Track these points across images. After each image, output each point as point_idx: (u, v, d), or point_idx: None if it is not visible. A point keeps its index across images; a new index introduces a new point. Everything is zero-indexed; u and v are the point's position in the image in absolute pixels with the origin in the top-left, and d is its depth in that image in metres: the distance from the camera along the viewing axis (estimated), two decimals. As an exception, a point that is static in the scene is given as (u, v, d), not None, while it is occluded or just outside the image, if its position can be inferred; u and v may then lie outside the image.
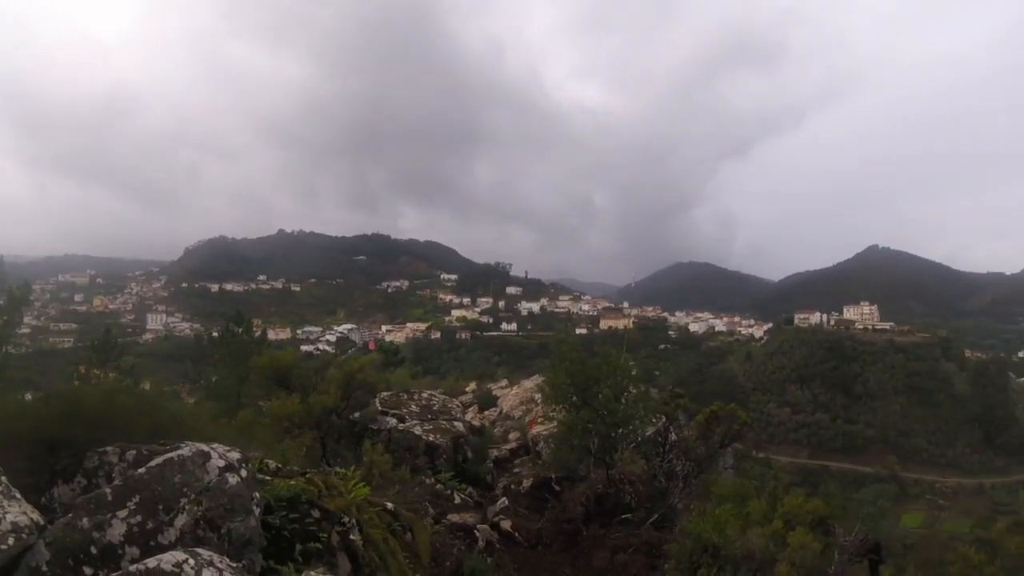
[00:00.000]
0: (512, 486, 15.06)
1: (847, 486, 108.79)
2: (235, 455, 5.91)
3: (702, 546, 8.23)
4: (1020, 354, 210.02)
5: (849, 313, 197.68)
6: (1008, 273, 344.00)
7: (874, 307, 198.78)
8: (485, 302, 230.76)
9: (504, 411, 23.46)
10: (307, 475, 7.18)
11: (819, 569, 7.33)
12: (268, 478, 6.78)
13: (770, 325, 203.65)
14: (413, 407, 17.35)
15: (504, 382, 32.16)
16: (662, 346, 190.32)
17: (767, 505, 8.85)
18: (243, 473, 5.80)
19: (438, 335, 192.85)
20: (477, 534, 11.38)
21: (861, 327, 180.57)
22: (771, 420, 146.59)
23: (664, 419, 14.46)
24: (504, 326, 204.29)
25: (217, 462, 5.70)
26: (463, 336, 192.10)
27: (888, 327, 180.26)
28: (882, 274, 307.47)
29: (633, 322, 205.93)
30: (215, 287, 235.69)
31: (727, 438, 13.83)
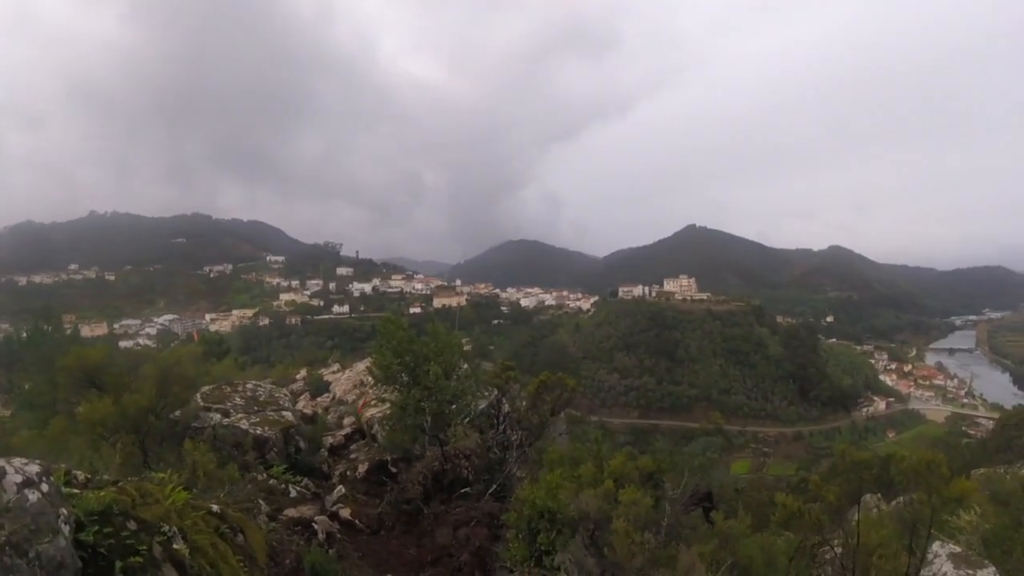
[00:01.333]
0: (348, 473, 14.71)
1: (677, 441, 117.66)
2: (34, 468, 5.37)
3: (538, 512, 8.39)
4: (827, 319, 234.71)
5: (669, 286, 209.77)
6: (815, 250, 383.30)
7: (692, 280, 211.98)
8: (315, 284, 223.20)
9: (337, 396, 22.95)
10: (119, 484, 6.69)
11: (653, 521, 7.58)
12: (77, 491, 6.26)
13: (597, 298, 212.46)
14: (238, 400, 16.50)
15: (336, 366, 31.44)
16: (495, 321, 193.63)
17: (594, 467, 9.10)
18: (44, 488, 5.27)
19: (266, 321, 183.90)
20: (316, 526, 11.06)
21: (681, 298, 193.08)
22: (602, 386, 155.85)
23: (496, 392, 14.62)
24: (336, 309, 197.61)
25: (14, 478, 5.14)
26: (293, 321, 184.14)
27: (705, 297, 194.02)
28: (700, 250, 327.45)
29: (466, 299, 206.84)
30: (23, 280, 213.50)
31: (557, 405, 14.16)
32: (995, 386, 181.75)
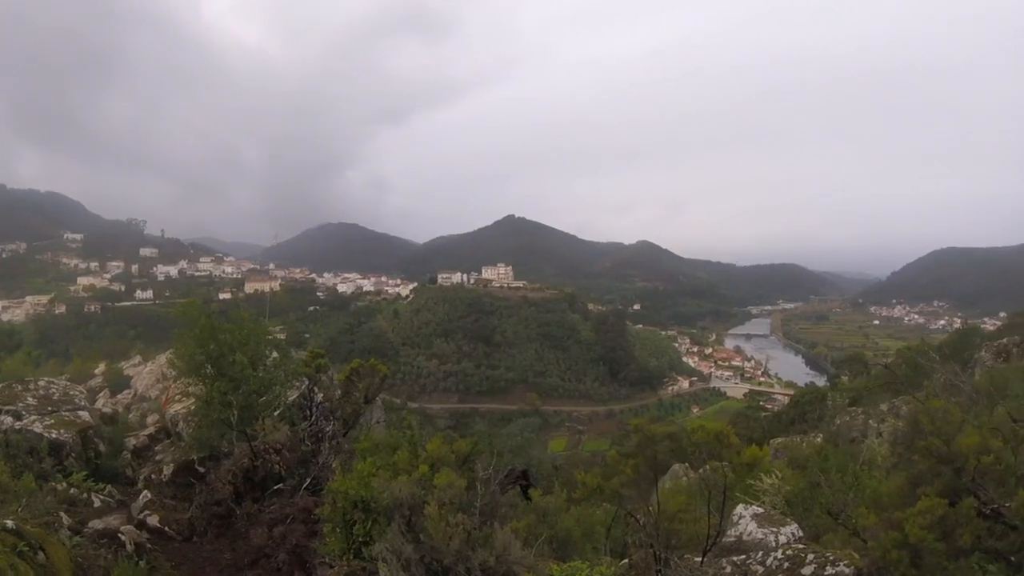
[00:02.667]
0: (154, 476, 13.58)
1: (496, 424, 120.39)
2: None
3: (352, 503, 8.10)
4: (635, 306, 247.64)
5: (487, 273, 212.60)
6: (626, 243, 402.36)
7: (509, 268, 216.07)
8: (116, 267, 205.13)
9: (139, 392, 21.49)
10: None
11: (468, 503, 7.38)
12: None
13: (415, 284, 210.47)
14: (30, 400, 14.84)
15: (138, 359, 29.40)
16: (311, 308, 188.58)
17: (410, 453, 8.79)
18: None
19: (63, 309, 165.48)
20: (123, 537, 10.06)
21: (498, 285, 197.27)
22: (421, 372, 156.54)
23: (307, 381, 13.92)
24: (139, 294, 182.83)
25: None
26: (92, 308, 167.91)
27: (522, 285, 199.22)
28: (518, 240, 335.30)
29: (280, 284, 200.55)
30: None
31: (370, 393, 13.67)
32: (789, 367, 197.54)
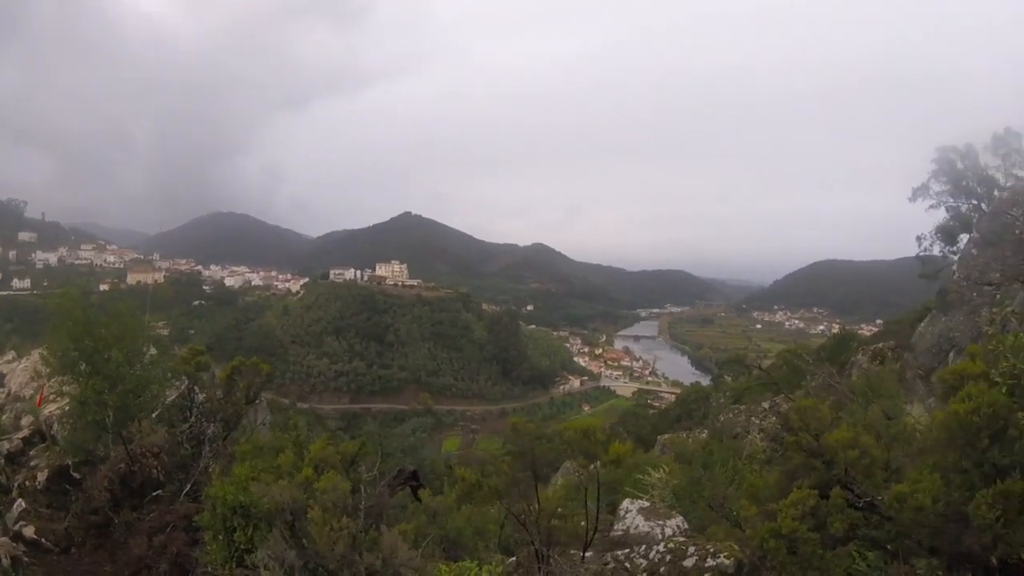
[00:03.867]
0: (28, 483, 12.77)
1: (388, 424, 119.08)
2: None
3: (231, 509, 7.78)
4: (528, 307, 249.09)
5: (381, 270, 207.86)
6: (521, 245, 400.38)
7: (404, 266, 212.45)
8: None
9: (13, 391, 20.14)
10: None
11: (353, 506, 7.21)
12: None
13: (307, 280, 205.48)
14: None
15: (11, 354, 27.61)
16: (197, 302, 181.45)
17: (294, 455, 8.53)
18: None
19: None
20: (-1, 551, 9.44)
21: (392, 283, 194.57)
22: (312, 371, 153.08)
23: (187, 380, 13.32)
24: (16, 283, 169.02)
25: None
26: None
27: (416, 283, 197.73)
28: (414, 238, 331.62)
29: (164, 276, 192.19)
30: None
31: (251, 392, 13.19)
32: (675, 367, 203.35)
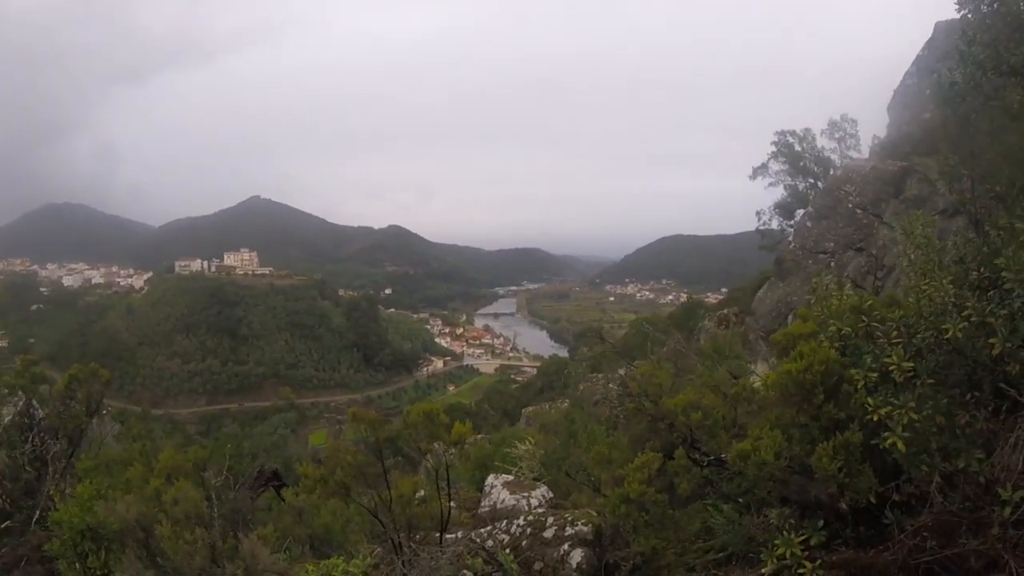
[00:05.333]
0: None
1: (250, 423, 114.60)
2: None
3: (78, 532, 7.23)
4: (386, 291, 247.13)
5: (230, 260, 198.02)
6: (376, 227, 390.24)
7: (254, 253, 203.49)
8: None
9: None
10: None
11: (207, 515, 6.88)
12: None
13: (150, 274, 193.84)
14: None
15: None
16: (35, 307, 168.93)
17: (143, 467, 8.05)
18: None
19: None
20: None
21: (242, 273, 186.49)
22: (163, 374, 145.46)
23: (24, 396, 12.35)
24: None
25: None
26: None
27: (268, 272, 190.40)
28: (263, 223, 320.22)
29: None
30: None
31: (93, 402, 12.33)
32: (535, 341, 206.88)
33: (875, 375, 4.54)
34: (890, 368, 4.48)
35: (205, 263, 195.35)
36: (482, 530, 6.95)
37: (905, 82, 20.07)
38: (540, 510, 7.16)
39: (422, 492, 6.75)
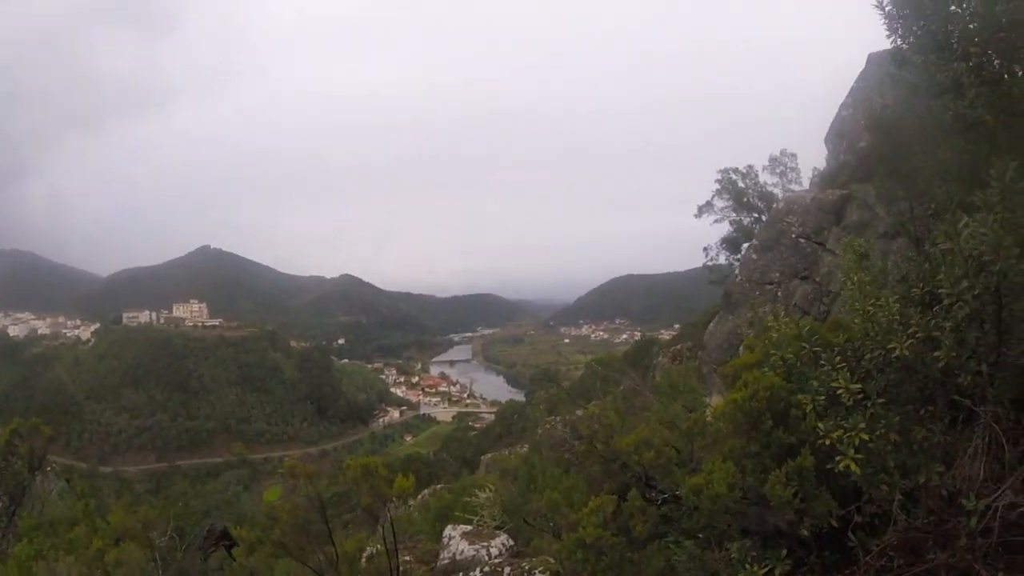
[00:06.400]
0: None
1: (201, 480, 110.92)
2: None
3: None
4: (339, 341, 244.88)
5: (179, 311, 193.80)
6: (328, 277, 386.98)
7: (203, 304, 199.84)
8: None
9: None
10: None
11: (150, 573, 6.61)
12: None
13: (98, 325, 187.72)
14: None
15: None
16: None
17: (88, 527, 7.71)
18: None
19: None
20: None
21: (192, 324, 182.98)
22: (111, 429, 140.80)
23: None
24: None
25: None
26: None
27: (218, 323, 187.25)
28: (213, 273, 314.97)
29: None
30: None
31: (36, 458, 11.86)
32: (492, 386, 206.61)
33: (823, 399, 4.54)
34: (838, 391, 4.47)
35: (153, 314, 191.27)
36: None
37: (840, 113, 20.56)
38: (499, 560, 6.99)
39: (370, 549, 6.56)
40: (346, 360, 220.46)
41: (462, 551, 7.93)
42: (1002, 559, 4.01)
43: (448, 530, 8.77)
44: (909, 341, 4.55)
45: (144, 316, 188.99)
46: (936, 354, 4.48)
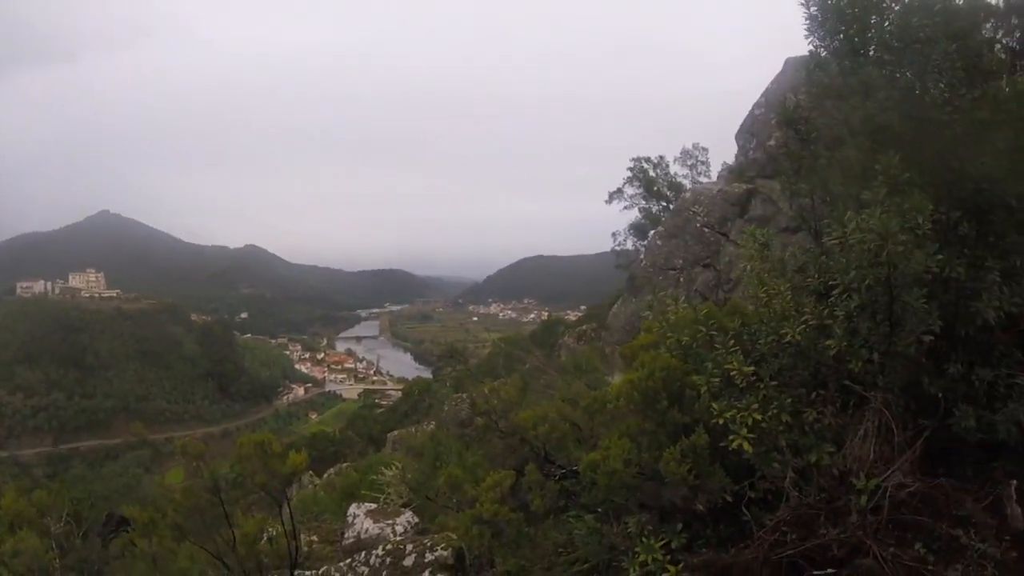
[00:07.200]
0: None
1: (100, 463, 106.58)
2: None
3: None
4: (242, 315, 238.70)
5: (75, 281, 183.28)
6: (232, 247, 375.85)
7: (100, 274, 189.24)
8: None
9: None
10: None
11: (51, 568, 6.42)
12: None
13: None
14: None
15: None
16: None
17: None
18: None
19: None
20: None
21: (88, 295, 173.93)
22: (4, 410, 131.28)
23: None
24: None
25: None
26: None
27: (115, 294, 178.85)
28: (112, 241, 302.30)
29: None
30: None
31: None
32: (399, 364, 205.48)
33: (717, 380, 4.72)
34: (732, 373, 4.65)
35: (49, 285, 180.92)
36: (342, 564, 6.76)
37: (753, 112, 21.10)
38: (398, 539, 7.02)
39: (271, 531, 6.49)
40: (249, 335, 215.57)
41: (367, 529, 7.93)
42: (892, 535, 4.28)
43: (353, 508, 8.74)
44: (801, 328, 4.77)
45: (39, 286, 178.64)
46: (828, 342, 4.71)
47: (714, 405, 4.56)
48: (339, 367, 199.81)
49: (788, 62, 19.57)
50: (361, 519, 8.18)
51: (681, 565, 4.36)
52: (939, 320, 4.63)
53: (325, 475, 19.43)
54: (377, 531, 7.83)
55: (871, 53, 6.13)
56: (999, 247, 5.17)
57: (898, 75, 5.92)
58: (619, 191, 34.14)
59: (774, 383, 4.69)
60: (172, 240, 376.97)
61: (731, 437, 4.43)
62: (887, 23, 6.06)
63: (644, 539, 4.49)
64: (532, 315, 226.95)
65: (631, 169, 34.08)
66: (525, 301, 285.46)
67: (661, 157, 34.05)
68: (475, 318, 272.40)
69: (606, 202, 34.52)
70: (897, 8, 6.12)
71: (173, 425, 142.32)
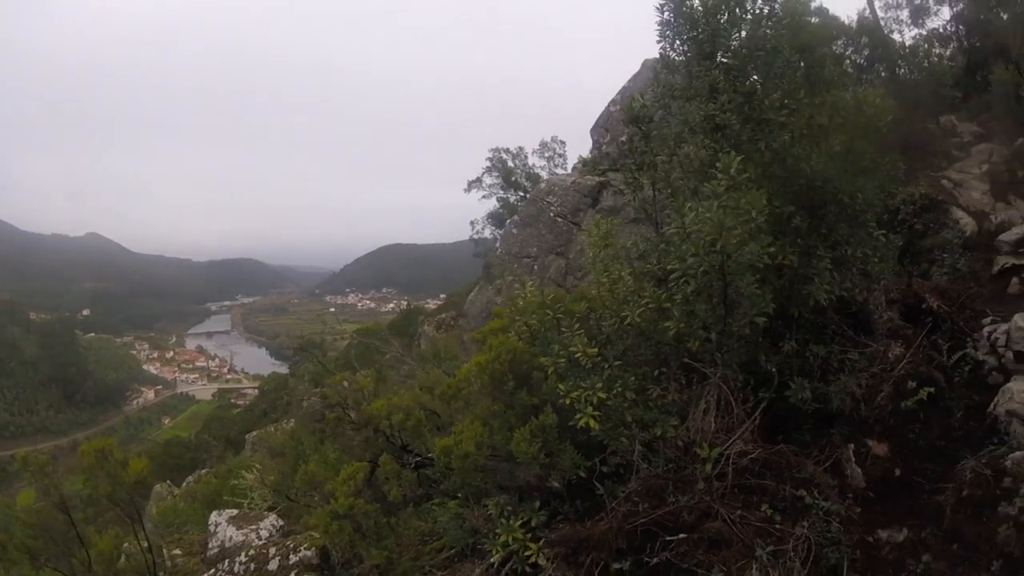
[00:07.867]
0: None
1: None
2: None
3: None
4: (84, 312, 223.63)
5: None
6: (72, 236, 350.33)
7: None
8: None
9: None
10: None
11: None
12: None
13: None
14: None
15: None
16: None
17: None
18: None
19: None
20: None
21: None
22: None
23: None
24: None
25: None
26: None
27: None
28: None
29: None
30: None
31: None
32: (254, 360, 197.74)
33: (564, 362, 4.96)
34: (576, 355, 4.89)
35: None
36: (206, 574, 6.61)
37: (609, 109, 21.85)
38: (260, 543, 6.93)
39: (128, 546, 6.29)
40: (92, 334, 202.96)
41: (231, 537, 7.76)
42: (739, 499, 4.67)
43: (214, 516, 8.50)
44: (641, 311, 5.08)
45: None
46: (667, 323, 5.04)
47: (560, 386, 4.79)
48: (190, 366, 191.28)
49: (646, 63, 20.49)
50: (224, 527, 7.99)
51: (542, 542, 4.56)
52: (772, 303, 5.04)
53: (184, 483, 18.81)
54: (241, 538, 7.68)
55: (719, 59, 6.54)
56: (831, 238, 5.75)
57: (742, 80, 6.33)
58: (478, 180, 34.71)
59: (618, 363, 4.98)
60: (7, 227, 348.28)
61: (578, 416, 4.66)
62: (736, 31, 6.48)
63: (504, 520, 4.65)
64: (391, 304, 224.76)
65: (490, 159, 34.70)
66: (384, 290, 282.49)
67: (520, 148, 34.99)
68: (332, 309, 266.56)
69: (465, 191, 35.00)
70: (748, 18, 6.53)
71: (18, 440, 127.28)
